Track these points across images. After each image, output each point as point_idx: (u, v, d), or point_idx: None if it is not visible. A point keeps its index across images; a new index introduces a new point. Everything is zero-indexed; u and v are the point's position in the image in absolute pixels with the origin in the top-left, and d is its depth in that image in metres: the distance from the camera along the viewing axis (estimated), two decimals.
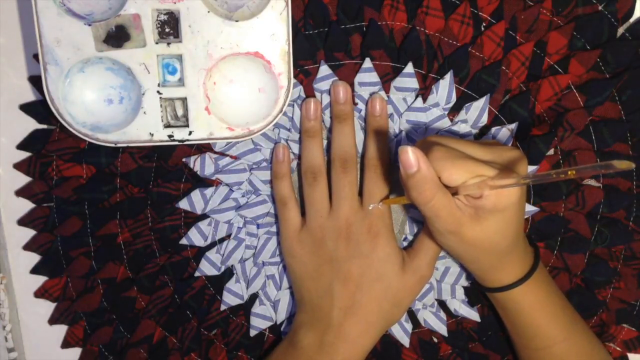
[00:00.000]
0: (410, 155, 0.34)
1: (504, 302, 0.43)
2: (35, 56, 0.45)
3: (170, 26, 0.41)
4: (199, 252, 0.48)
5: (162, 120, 0.42)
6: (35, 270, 0.48)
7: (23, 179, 0.47)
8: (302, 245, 0.45)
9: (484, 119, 0.44)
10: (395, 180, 0.46)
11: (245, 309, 0.49)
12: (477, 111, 0.44)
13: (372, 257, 0.43)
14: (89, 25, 0.40)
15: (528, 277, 0.41)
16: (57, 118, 0.41)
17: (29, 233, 0.48)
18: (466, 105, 0.44)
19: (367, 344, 0.44)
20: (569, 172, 0.29)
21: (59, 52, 0.40)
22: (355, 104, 0.45)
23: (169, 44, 0.41)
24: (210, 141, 0.44)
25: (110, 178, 0.46)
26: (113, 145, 0.42)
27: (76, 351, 0.50)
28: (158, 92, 0.41)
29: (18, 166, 0.47)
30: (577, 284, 0.48)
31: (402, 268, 0.44)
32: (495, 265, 0.41)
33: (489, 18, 0.44)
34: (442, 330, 0.48)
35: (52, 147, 0.46)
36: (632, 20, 0.44)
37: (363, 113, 0.45)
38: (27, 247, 0.48)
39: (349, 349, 0.43)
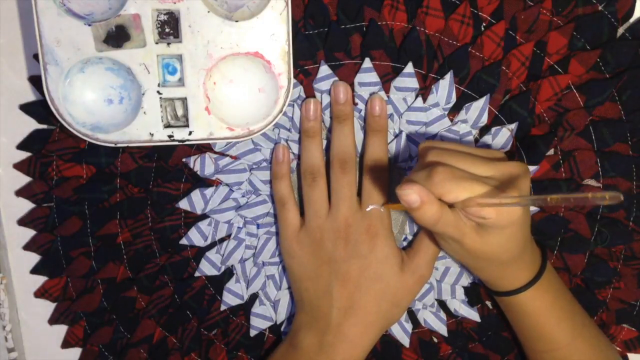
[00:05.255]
0: (412, 196, 0.34)
1: (509, 305, 0.43)
2: (35, 56, 0.45)
3: (170, 26, 0.41)
4: (199, 252, 0.48)
5: (162, 120, 0.42)
6: (35, 270, 0.48)
7: (23, 179, 0.47)
8: (301, 245, 0.45)
9: (484, 119, 0.44)
10: (394, 182, 0.46)
11: (245, 309, 0.49)
12: (477, 111, 0.44)
13: (370, 258, 0.43)
14: (89, 25, 0.40)
15: (533, 284, 0.41)
16: (57, 118, 0.41)
17: (29, 233, 0.48)
18: (466, 105, 0.44)
19: (367, 344, 0.44)
20: (554, 198, 0.29)
21: (59, 52, 0.40)
22: (355, 104, 0.45)
23: (169, 44, 0.41)
24: (210, 141, 0.44)
25: (110, 178, 0.46)
26: (113, 145, 0.42)
27: (76, 351, 0.50)
28: (158, 92, 0.41)
29: (18, 166, 0.47)
30: (577, 284, 0.48)
31: (401, 268, 0.44)
32: (498, 275, 0.41)
33: (489, 18, 0.44)
34: (442, 330, 0.48)
35: (52, 147, 0.46)
36: (632, 20, 0.44)
37: (363, 113, 0.45)
38: (27, 247, 0.48)
39: (348, 350, 0.43)
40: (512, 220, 0.36)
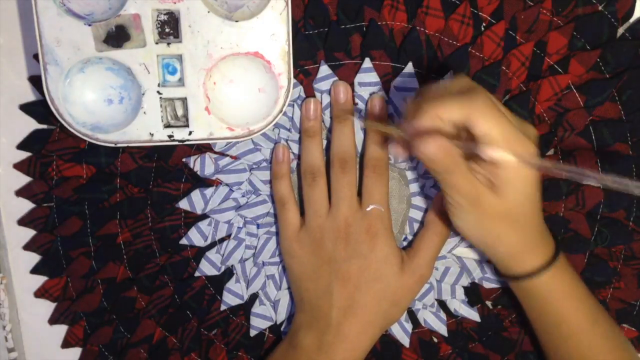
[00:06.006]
0: (432, 149, 0.34)
1: (528, 290, 0.42)
2: (35, 56, 0.45)
3: (170, 26, 0.41)
4: (199, 252, 0.48)
5: (162, 120, 0.42)
6: (35, 270, 0.48)
7: (23, 179, 0.47)
8: (301, 245, 0.45)
9: None
10: (394, 181, 0.46)
11: (245, 309, 0.49)
12: None
13: (370, 258, 0.43)
14: (89, 25, 0.40)
15: (552, 264, 0.40)
16: (57, 118, 0.41)
17: (29, 233, 0.48)
18: None
19: (366, 343, 0.44)
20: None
21: (59, 52, 0.40)
22: (355, 104, 0.45)
23: (169, 44, 0.41)
24: (210, 141, 0.44)
25: (110, 178, 0.46)
26: (113, 145, 0.42)
27: (76, 351, 0.50)
28: (158, 92, 0.41)
29: (18, 166, 0.47)
30: None
31: (401, 268, 0.44)
32: (518, 247, 0.39)
33: (489, 18, 0.44)
34: (442, 330, 0.48)
35: (52, 147, 0.46)
36: (632, 20, 0.44)
37: (363, 113, 0.45)
38: (27, 247, 0.48)
39: (348, 349, 0.43)
40: (531, 174, 0.35)
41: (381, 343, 0.49)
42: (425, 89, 0.37)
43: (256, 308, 0.49)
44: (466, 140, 0.35)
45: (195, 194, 0.46)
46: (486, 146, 0.34)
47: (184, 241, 0.47)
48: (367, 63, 0.44)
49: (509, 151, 0.34)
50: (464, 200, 0.36)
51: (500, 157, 0.34)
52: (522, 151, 0.34)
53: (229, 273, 0.48)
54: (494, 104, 0.35)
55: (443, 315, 0.48)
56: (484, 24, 0.44)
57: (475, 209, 0.37)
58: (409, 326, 0.48)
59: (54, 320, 0.49)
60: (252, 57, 0.41)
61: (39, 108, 0.46)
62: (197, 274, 0.48)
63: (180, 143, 0.43)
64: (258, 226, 0.47)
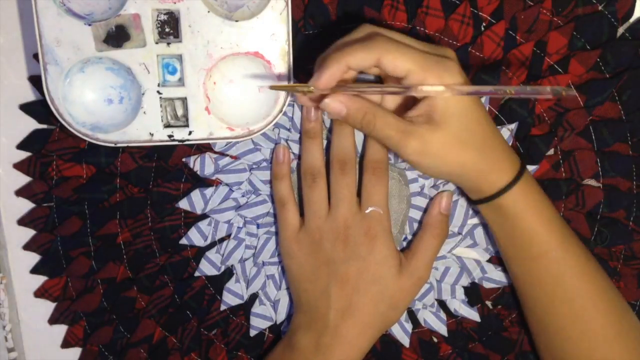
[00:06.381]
0: (336, 105, 0.37)
1: (498, 210, 0.41)
2: (35, 56, 0.45)
3: (170, 26, 0.41)
4: (199, 252, 0.48)
5: (162, 120, 0.42)
6: (35, 270, 0.48)
7: (23, 179, 0.47)
8: (300, 246, 0.44)
9: None
10: (394, 182, 0.46)
11: (245, 309, 0.49)
12: None
13: (369, 260, 0.43)
14: (89, 25, 0.40)
15: (517, 181, 0.40)
16: (57, 118, 0.41)
17: (29, 233, 0.48)
18: None
19: (364, 345, 0.44)
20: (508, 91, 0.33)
21: (59, 52, 0.40)
22: None
23: (169, 44, 0.41)
24: (210, 141, 0.44)
25: (110, 178, 0.46)
26: (113, 145, 0.42)
27: (76, 351, 0.50)
28: (158, 92, 0.41)
29: (18, 166, 0.47)
30: None
31: (399, 270, 0.44)
32: (483, 166, 0.39)
33: (489, 18, 0.44)
34: (442, 330, 0.48)
35: (52, 147, 0.46)
36: (632, 20, 0.44)
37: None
38: (27, 247, 0.48)
39: (345, 351, 0.43)
40: (465, 100, 0.37)
41: (381, 343, 0.49)
42: (329, 48, 0.39)
43: (256, 308, 0.49)
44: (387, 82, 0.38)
45: (195, 194, 0.46)
46: (403, 81, 0.36)
47: (184, 241, 0.47)
48: None
49: (430, 79, 0.35)
50: (411, 152, 0.37)
51: (425, 90, 0.35)
52: (442, 74, 0.35)
53: (229, 273, 0.48)
54: (396, 40, 0.36)
55: (443, 315, 0.48)
56: (484, 24, 0.44)
57: (427, 154, 0.37)
58: (409, 326, 0.48)
59: (54, 320, 0.49)
60: (252, 57, 0.41)
61: (39, 108, 0.46)
62: (197, 274, 0.48)
63: (180, 143, 0.43)
64: (258, 226, 0.47)
